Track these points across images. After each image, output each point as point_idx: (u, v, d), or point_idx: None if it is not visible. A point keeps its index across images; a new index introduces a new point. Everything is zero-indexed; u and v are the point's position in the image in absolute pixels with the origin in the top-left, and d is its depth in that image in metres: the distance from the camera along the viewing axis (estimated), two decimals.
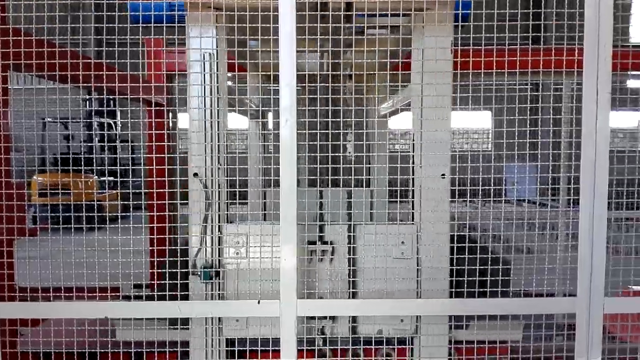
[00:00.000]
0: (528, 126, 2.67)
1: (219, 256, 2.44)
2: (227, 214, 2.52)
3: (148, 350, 2.63)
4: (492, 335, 2.53)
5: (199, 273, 2.40)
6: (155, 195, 3.95)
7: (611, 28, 2.24)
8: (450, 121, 2.47)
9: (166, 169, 2.91)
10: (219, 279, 2.43)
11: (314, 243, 2.50)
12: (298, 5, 2.15)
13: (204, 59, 2.38)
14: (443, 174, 2.47)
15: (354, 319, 2.51)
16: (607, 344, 2.41)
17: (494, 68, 2.59)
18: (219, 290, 2.44)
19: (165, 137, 4.42)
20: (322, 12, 2.56)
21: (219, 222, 2.44)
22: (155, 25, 2.68)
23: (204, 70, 2.39)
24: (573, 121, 4.35)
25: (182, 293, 2.37)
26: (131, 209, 4.94)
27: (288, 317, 2.21)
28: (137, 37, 2.80)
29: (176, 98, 4.47)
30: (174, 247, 2.50)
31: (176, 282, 2.35)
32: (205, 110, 2.40)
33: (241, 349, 2.49)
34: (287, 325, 2.21)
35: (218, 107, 2.42)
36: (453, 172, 2.53)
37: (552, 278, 2.60)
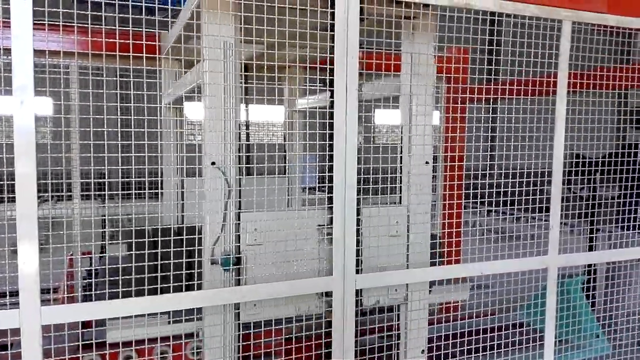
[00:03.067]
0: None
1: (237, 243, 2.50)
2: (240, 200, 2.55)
3: None
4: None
5: (221, 261, 2.42)
6: None
7: (357, 30, 2.47)
8: (432, 117, 2.85)
9: None
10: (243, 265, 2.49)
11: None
12: None
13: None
14: (427, 162, 2.85)
15: (360, 292, 2.73)
16: (359, 316, 2.68)
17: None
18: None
19: None
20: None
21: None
22: None
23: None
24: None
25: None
26: None
27: (31, 327, 1.96)
28: None
29: None
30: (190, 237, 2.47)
31: None
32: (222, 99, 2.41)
33: None
34: (30, 336, 1.96)
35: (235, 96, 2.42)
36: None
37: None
